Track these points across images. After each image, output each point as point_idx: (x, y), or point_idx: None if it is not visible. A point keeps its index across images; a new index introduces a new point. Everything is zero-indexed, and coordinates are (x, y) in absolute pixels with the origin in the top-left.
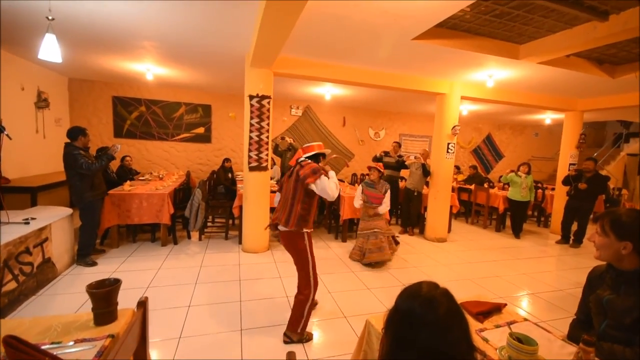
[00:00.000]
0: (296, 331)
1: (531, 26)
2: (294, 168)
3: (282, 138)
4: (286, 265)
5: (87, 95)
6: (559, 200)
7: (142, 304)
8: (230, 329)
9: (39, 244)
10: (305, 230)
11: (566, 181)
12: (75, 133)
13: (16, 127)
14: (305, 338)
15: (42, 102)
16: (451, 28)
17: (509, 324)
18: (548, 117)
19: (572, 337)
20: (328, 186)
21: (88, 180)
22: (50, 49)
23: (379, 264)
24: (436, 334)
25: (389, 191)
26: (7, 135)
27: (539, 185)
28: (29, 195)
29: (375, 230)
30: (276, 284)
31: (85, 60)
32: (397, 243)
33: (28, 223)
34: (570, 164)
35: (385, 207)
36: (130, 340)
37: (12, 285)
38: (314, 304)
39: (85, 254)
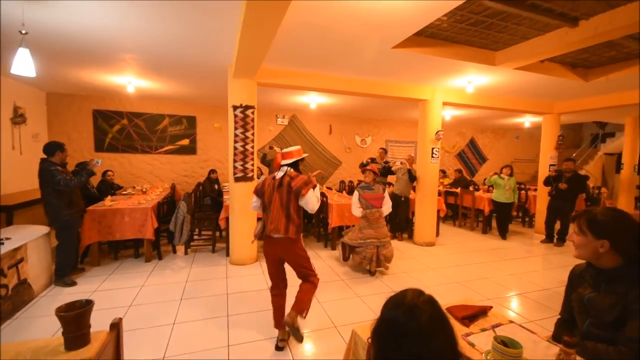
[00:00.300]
0: (302, 314)
1: (505, 33)
2: (282, 178)
3: (270, 147)
4: None
5: (66, 110)
6: (541, 200)
7: (115, 326)
8: (217, 345)
9: (13, 264)
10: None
11: (547, 182)
12: (53, 148)
13: None
14: (301, 336)
15: (18, 118)
16: (430, 36)
17: (494, 327)
18: (527, 120)
19: (557, 337)
20: (311, 200)
21: (65, 198)
22: (23, 64)
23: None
24: (419, 342)
25: (386, 191)
26: None
27: (522, 186)
28: (5, 214)
29: (384, 240)
30: (265, 296)
31: (63, 73)
32: None
33: (2, 243)
34: (550, 165)
35: (388, 206)
36: None
37: None
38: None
39: (63, 274)
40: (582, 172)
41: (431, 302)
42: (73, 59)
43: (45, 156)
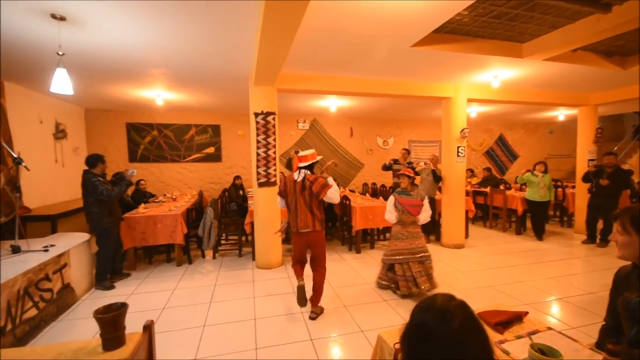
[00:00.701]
0: (318, 305)
1: (532, 24)
2: (303, 182)
3: (296, 152)
4: None
5: (102, 124)
6: (580, 198)
7: (148, 328)
8: (245, 348)
9: (58, 270)
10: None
11: (586, 178)
12: (94, 160)
13: (36, 158)
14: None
15: (60, 133)
16: (450, 32)
17: (531, 334)
18: (561, 114)
19: (602, 344)
20: (332, 196)
21: (106, 207)
22: (61, 83)
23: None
24: (451, 348)
25: (426, 198)
26: (24, 166)
27: (559, 183)
28: (50, 223)
29: (422, 255)
30: (290, 300)
31: (98, 90)
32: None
33: (47, 250)
34: (589, 160)
35: (426, 214)
36: None
37: (33, 312)
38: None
39: (103, 278)
40: (625, 167)
41: (463, 307)
42: (107, 76)
43: (87, 168)
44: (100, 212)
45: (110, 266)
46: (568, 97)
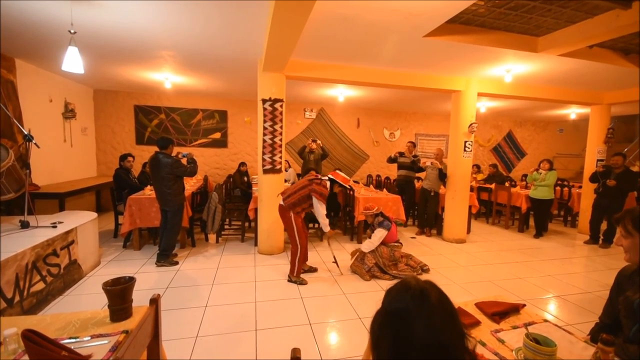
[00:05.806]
0: (293, 275)
1: (549, 17)
2: (314, 177)
3: (314, 140)
4: None
5: (110, 105)
6: (586, 198)
7: (154, 301)
8: (245, 328)
9: (65, 246)
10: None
11: (594, 178)
12: (166, 142)
13: (45, 136)
14: (299, 281)
15: (69, 113)
16: (464, 23)
17: (527, 325)
18: (573, 112)
19: (595, 340)
20: (316, 208)
21: (180, 185)
22: (73, 61)
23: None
24: (433, 325)
25: (378, 229)
26: (35, 144)
27: (565, 183)
28: (57, 200)
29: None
30: (290, 286)
31: (107, 71)
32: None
33: (55, 227)
34: (598, 160)
35: (368, 243)
36: (142, 335)
37: (40, 285)
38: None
39: (169, 254)
40: (635, 169)
41: (433, 284)
42: (116, 56)
43: (158, 150)
44: (176, 190)
45: (176, 243)
46: (581, 95)
